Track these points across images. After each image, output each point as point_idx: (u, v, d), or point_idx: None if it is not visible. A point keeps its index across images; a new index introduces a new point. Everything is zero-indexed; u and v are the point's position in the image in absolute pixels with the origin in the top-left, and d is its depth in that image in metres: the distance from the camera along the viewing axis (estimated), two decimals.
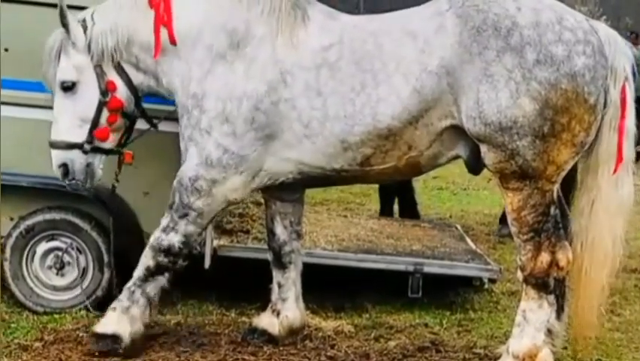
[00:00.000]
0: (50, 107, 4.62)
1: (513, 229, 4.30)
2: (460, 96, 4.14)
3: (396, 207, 8.01)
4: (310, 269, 5.06)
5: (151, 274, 4.47)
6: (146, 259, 4.48)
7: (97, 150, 4.57)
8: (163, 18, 4.43)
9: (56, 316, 5.08)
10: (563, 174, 4.24)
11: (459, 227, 7.22)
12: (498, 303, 5.91)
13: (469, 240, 6.66)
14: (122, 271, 5.10)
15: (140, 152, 4.81)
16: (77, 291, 5.17)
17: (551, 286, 4.28)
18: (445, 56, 4.14)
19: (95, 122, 4.51)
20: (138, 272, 4.50)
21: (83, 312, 5.11)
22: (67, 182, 4.57)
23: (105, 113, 4.53)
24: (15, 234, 5.17)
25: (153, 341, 4.70)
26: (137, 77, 4.57)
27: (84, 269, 5.19)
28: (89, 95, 4.51)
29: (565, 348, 4.63)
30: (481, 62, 4.08)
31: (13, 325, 4.94)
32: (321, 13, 4.48)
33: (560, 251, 4.24)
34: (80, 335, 4.74)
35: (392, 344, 4.90)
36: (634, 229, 4.60)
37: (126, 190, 5.00)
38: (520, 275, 4.34)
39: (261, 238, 5.50)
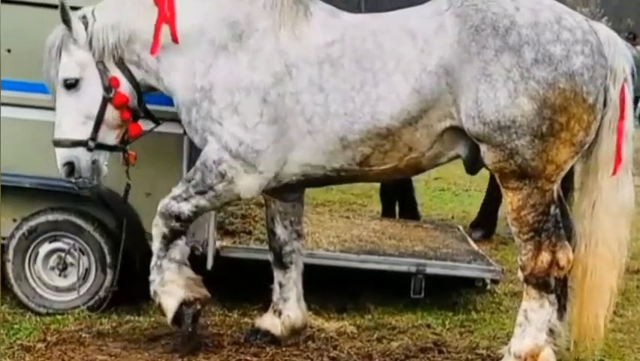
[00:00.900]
0: (52, 109, 4.62)
1: (513, 229, 4.30)
2: (459, 96, 4.15)
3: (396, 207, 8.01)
4: (312, 270, 5.08)
5: (169, 240, 4.46)
6: (159, 228, 4.46)
7: (101, 147, 4.57)
8: (166, 15, 4.44)
9: (59, 317, 5.09)
10: (563, 173, 4.24)
11: (461, 228, 7.22)
12: (500, 304, 5.90)
13: (471, 241, 6.66)
14: (126, 271, 5.14)
15: (141, 153, 4.82)
16: (80, 292, 5.17)
17: (552, 285, 4.28)
18: (444, 56, 4.15)
19: (99, 119, 4.52)
20: (156, 244, 4.48)
21: (86, 313, 5.12)
22: (73, 180, 4.56)
23: (112, 111, 4.53)
24: (18, 235, 5.18)
25: (156, 342, 4.71)
26: (138, 74, 4.58)
27: (86, 270, 5.20)
28: (92, 92, 4.51)
29: (567, 349, 4.62)
30: (480, 61, 4.09)
31: (15, 326, 4.95)
32: (323, 11, 4.50)
33: (560, 251, 4.25)
34: (83, 335, 4.76)
35: (395, 344, 4.90)
36: (635, 229, 4.58)
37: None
38: (520, 275, 4.35)
39: (263, 239, 5.51)
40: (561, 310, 4.41)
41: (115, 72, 4.54)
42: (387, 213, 7.89)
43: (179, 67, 4.47)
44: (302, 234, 4.97)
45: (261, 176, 4.42)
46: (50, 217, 5.19)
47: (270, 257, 4.90)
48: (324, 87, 4.29)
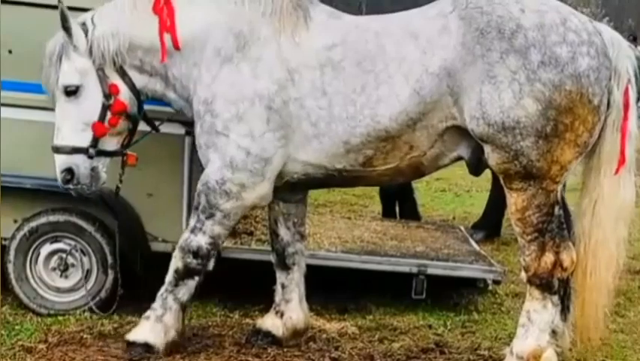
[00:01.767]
0: (53, 110, 4.61)
1: (517, 230, 4.30)
2: (461, 97, 4.14)
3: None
4: (314, 271, 5.07)
5: (180, 277, 4.47)
6: (175, 261, 4.48)
7: (101, 154, 4.56)
8: (166, 23, 4.43)
9: (60, 318, 5.08)
10: (567, 174, 4.24)
11: (462, 229, 7.22)
12: (502, 304, 5.90)
13: (472, 241, 6.65)
14: (126, 272, 5.13)
15: (143, 154, 4.81)
16: (81, 293, 5.17)
17: (555, 286, 4.28)
18: (447, 58, 4.15)
19: None
20: (169, 277, 4.50)
21: (87, 314, 5.12)
22: (72, 187, 4.55)
23: (108, 115, 4.51)
24: (19, 236, 5.18)
25: None
26: (140, 80, 4.56)
27: (88, 271, 5.19)
28: (92, 99, 4.50)
29: (570, 349, 4.62)
30: (484, 63, 4.08)
31: (17, 327, 4.94)
32: (324, 13, 4.49)
33: (564, 251, 4.24)
34: (84, 336, 4.75)
35: (396, 345, 4.90)
36: (637, 230, 4.59)
37: (130, 192, 4.99)
38: (524, 276, 4.34)
39: (265, 240, 5.50)
40: (564, 311, 4.40)
41: (115, 79, 4.52)
42: (387, 214, 7.89)
43: (189, 74, 4.46)
44: (305, 235, 4.97)
45: (269, 182, 4.43)
46: (51, 218, 5.19)
47: (272, 258, 4.90)
48: (327, 91, 4.28)
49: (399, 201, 7.92)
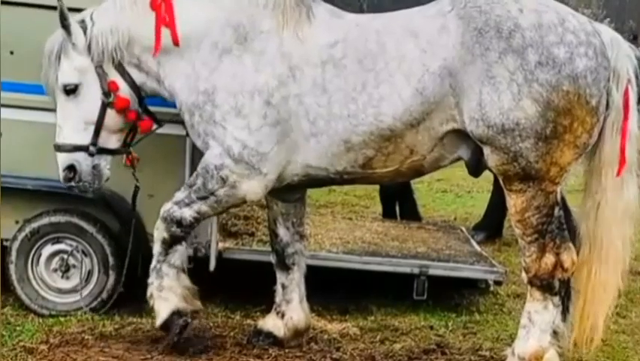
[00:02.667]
0: (55, 110, 4.61)
1: (517, 231, 4.29)
2: (462, 98, 4.14)
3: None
4: (315, 272, 5.07)
5: (169, 245, 4.47)
6: (159, 232, 4.48)
7: (102, 152, 4.57)
8: (165, 19, 4.43)
9: (62, 318, 5.09)
10: (566, 175, 4.24)
11: (464, 229, 7.22)
12: (503, 305, 5.90)
13: (474, 242, 6.66)
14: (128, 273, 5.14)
15: (144, 154, 4.81)
16: (83, 293, 5.17)
17: (556, 287, 4.28)
18: (447, 57, 4.15)
19: (100, 124, 4.51)
20: (156, 248, 4.50)
21: (89, 315, 5.12)
22: (74, 184, 4.55)
23: (112, 115, 4.51)
24: (20, 237, 5.19)
25: (159, 343, 4.70)
26: (139, 78, 4.57)
27: (89, 272, 5.20)
28: (92, 97, 4.50)
29: (568, 350, 4.61)
30: (483, 63, 4.08)
31: (18, 328, 4.95)
32: (326, 11, 4.50)
33: (564, 252, 4.24)
34: (86, 337, 4.75)
35: (397, 346, 4.90)
36: (639, 230, 4.58)
37: (130, 192, 4.99)
38: (524, 277, 4.34)
39: (266, 241, 5.49)
40: (564, 311, 4.40)
41: (114, 76, 4.52)
42: (388, 214, 7.89)
43: (180, 70, 4.46)
44: (304, 235, 4.97)
45: (266, 178, 4.41)
46: (53, 219, 5.19)
47: (272, 259, 4.90)
48: (328, 88, 4.28)
49: (399, 202, 7.93)
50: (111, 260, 5.17)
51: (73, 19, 4.49)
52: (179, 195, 4.47)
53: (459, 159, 4.44)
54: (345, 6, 4.99)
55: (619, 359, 4.96)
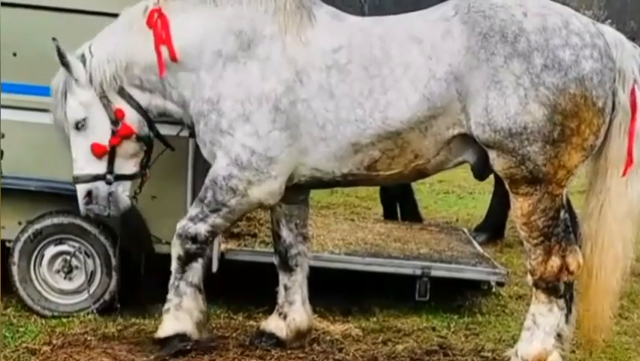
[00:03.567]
0: None
1: (523, 234, 4.28)
2: (468, 103, 4.14)
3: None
4: (318, 273, 5.07)
5: (184, 262, 4.50)
6: (176, 249, 4.51)
7: (120, 178, 4.60)
8: (162, 36, 4.44)
9: (64, 320, 5.08)
10: (573, 177, 4.23)
11: (466, 231, 7.22)
12: (506, 306, 5.90)
13: (476, 243, 6.66)
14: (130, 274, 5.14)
15: None
16: (85, 295, 5.17)
17: (561, 290, 4.27)
18: (452, 63, 4.14)
19: (113, 153, 4.55)
20: (173, 265, 4.53)
21: (91, 316, 5.12)
22: (90, 207, 4.59)
23: (125, 142, 4.55)
24: (23, 238, 5.19)
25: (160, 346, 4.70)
26: (143, 99, 4.58)
27: (92, 273, 5.20)
28: (102, 127, 4.54)
29: (573, 351, 4.61)
30: (489, 68, 4.07)
31: (21, 329, 4.95)
32: (327, 14, 4.49)
33: (570, 255, 4.23)
34: (89, 338, 4.75)
35: (400, 347, 4.89)
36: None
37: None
38: (530, 279, 4.33)
39: (269, 242, 5.50)
40: (568, 313, 4.39)
41: (119, 103, 4.55)
42: (389, 216, 7.88)
43: (184, 81, 4.47)
44: (307, 236, 4.97)
45: (277, 180, 4.42)
46: (55, 220, 5.20)
47: (275, 260, 4.90)
48: (335, 93, 4.28)
49: (400, 203, 7.92)
50: (114, 261, 5.16)
51: (72, 55, 4.50)
52: (193, 210, 4.50)
53: (463, 162, 4.43)
54: (345, 7, 4.98)
55: (621, 360, 4.95)
